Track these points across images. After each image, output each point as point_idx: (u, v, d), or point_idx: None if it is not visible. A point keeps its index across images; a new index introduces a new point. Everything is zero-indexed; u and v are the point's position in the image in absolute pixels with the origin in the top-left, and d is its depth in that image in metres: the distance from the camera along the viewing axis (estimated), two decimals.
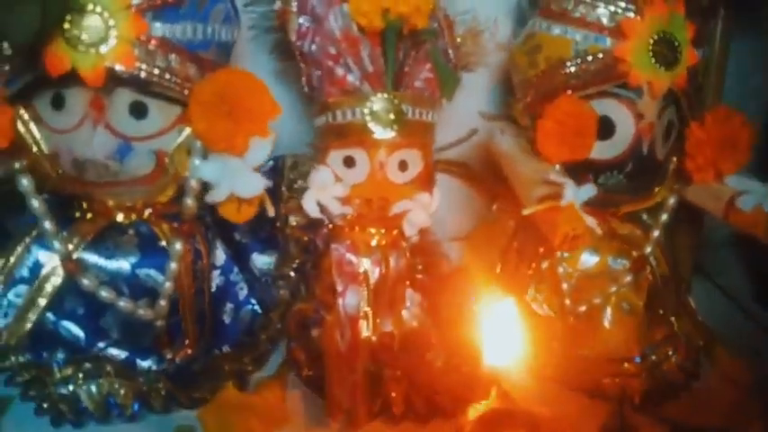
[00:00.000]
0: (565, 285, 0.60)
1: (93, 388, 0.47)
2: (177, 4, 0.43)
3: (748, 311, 0.74)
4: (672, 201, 0.60)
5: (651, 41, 0.52)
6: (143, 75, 0.42)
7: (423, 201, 0.55)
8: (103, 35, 0.40)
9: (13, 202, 0.48)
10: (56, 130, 0.45)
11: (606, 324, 0.60)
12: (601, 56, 0.53)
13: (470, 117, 0.64)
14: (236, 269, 0.60)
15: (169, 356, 0.52)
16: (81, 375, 0.47)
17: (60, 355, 0.48)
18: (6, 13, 0.34)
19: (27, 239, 0.48)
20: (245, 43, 0.57)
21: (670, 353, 0.62)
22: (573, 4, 0.54)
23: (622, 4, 0.53)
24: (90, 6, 0.40)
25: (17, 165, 0.45)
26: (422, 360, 0.57)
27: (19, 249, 0.47)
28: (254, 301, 0.61)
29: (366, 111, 0.51)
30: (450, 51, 0.57)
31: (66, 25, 0.39)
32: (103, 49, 0.40)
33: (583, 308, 0.59)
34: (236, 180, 0.44)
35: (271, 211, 0.48)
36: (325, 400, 0.54)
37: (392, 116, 0.51)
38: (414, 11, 0.50)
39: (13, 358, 0.49)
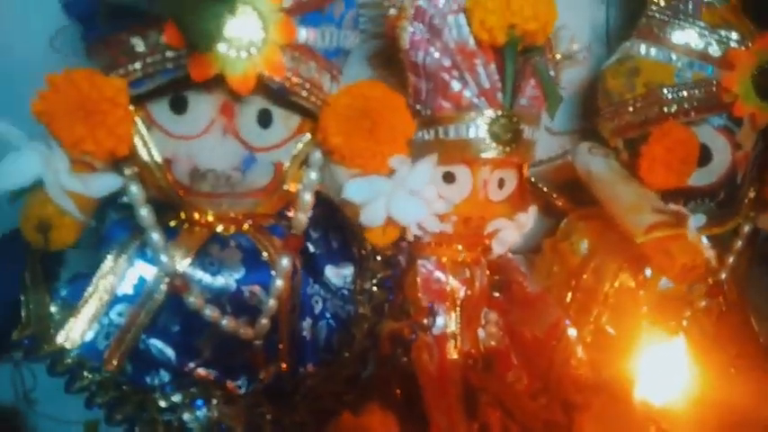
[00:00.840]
0: (644, 308, 0.60)
1: (201, 415, 0.43)
2: (320, 8, 0.40)
3: None
4: (747, 228, 0.61)
5: (754, 73, 0.53)
6: (288, 84, 0.39)
7: (520, 220, 0.54)
8: (255, 39, 0.36)
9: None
10: (174, 136, 0.41)
11: None
12: (705, 84, 0.54)
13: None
14: (311, 281, 0.57)
15: (261, 376, 0.49)
16: (188, 401, 0.43)
17: (164, 379, 0.44)
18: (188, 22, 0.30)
19: (124, 254, 0.43)
20: None
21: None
22: (677, 29, 0.54)
23: (731, 35, 0.53)
24: (242, 7, 0.36)
25: (127, 171, 0.40)
26: (503, 381, 0.56)
27: (117, 264, 0.43)
28: (328, 314, 0.58)
29: (485, 128, 0.49)
30: (551, 70, 0.56)
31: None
32: (255, 54, 0.37)
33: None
34: (393, 203, 0.41)
35: (411, 235, 0.45)
36: (410, 422, 0.52)
37: (510, 135, 0.50)
38: (542, 28, 0.48)
39: (112, 391, 0.45)
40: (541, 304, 0.58)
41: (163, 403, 0.43)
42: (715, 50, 0.53)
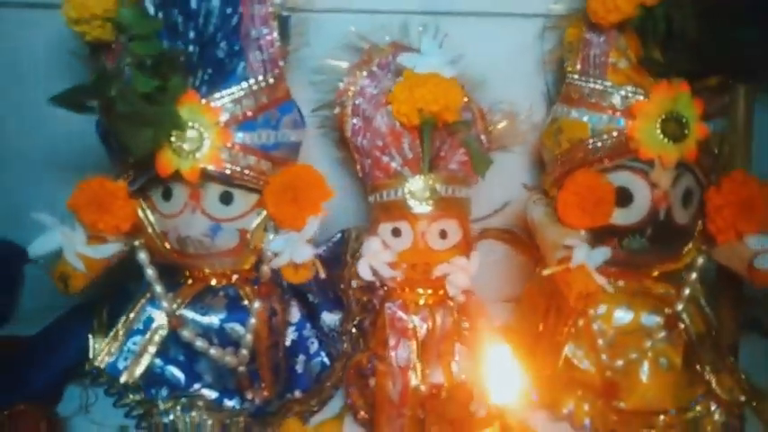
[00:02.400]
0: (600, 341, 0.65)
1: (188, 419, 0.59)
2: (254, 118, 0.57)
3: None
4: (700, 261, 0.64)
5: (660, 119, 0.59)
6: (228, 172, 0.55)
7: (460, 264, 0.63)
8: (199, 144, 0.54)
9: (135, 272, 0.63)
10: (164, 215, 0.59)
11: (643, 378, 0.64)
12: (615, 134, 0.61)
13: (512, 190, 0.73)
14: (308, 325, 0.70)
15: (249, 397, 0.62)
16: (179, 408, 0.59)
17: (164, 393, 0.60)
18: (131, 136, 0.48)
19: (142, 300, 0.61)
20: (313, 139, 0.70)
21: (712, 408, 0.65)
22: (588, 91, 0.63)
23: (632, 89, 0.60)
24: (189, 124, 0.54)
25: (137, 242, 0.59)
26: (466, 410, 0.64)
27: (136, 308, 0.61)
28: (323, 353, 0.70)
29: (406, 190, 0.61)
30: (482, 137, 0.67)
31: (173, 138, 0.53)
32: (199, 155, 0.54)
33: (620, 362, 0.64)
34: (293, 250, 0.55)
35: (322, 274, 0.58)
36: None
37: (427, 194, 0.61)
38: (443, 108, 0.60)
39: (131, 396, 0.63)
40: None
41: (162, 409, 0.59)
42: (620, 104, 0.61)
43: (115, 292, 0.68)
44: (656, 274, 0.66)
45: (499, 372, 0.45)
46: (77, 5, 0.50)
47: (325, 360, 0.70)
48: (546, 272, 0.58)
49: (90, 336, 0.65)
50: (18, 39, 0.68)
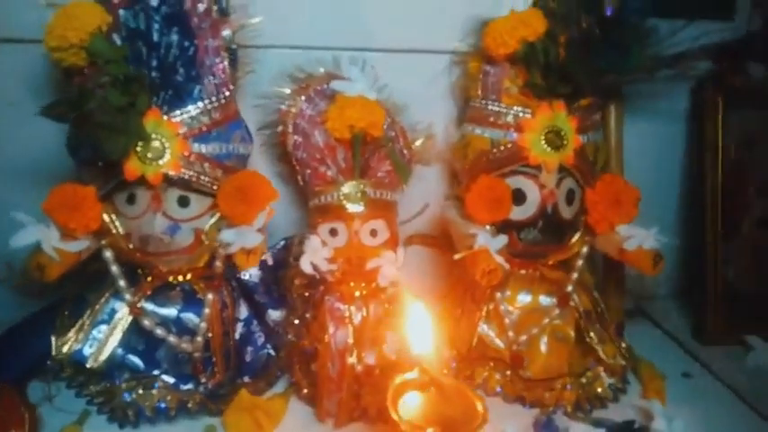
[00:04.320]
0: (507, 320, 0.76)
1: (148, 396, 0.66)
2: (208, 132, 0.67)
3: (683, 344, 0.89)
4: (585, 250, 0.77)
5: (545, 132, 0.73)
6: (186, 177, 0.65)
7: (388, 257, 0.74)
8: (161, 153, 0.63)
9: (92, 281, 0.70)
10: (128, 217, 0.67)
11: (543, 350, 0.76)
12: (510, 146, 0.74)
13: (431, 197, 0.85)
14: (255, 322, 0.79)
15: (203, 381, 0.70)
16: (140, 388, 0.66)
17: (126, 376, 0.67)
18: (107, 141, 0.57)
19: (107, 294, 0.69)
20: (259, 154, 0.80)
21: (601, 373, 0.77)
22: (488, 112, 0.76)
23: (521, 109, 0.74)
24: (153, 136, 0.63)
25: (103, 242, 0.67)
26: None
27: (101, 301, 0.68)
28: (269, 346, 0.79)
29: (341, 193, 0.72)
30: (405, 151, 0.79)
31: (139, 148, 0.63)
32: (161, 161, 0.63)
33: (524, 338, 0.76)
34: (245, 238, 0.65)
35: (269, 260, 0.67)
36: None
37: (359, 195, 0.72)
38: (369, 125, 0.71)
39: (92, 387, 0.69)
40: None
41: (124, 388, 0.66)
42: (512, 121, 0.74)
43: (74, 298, 0.75)
44: (551, 262, 0.79)
45: (415, 325, 0.55)
46: (57, 36, 0.59)
47: (271, 351, 0.79)
48: (456, 256, 0.69)
49: (53, 336, 0.71)
50: None
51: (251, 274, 0.77)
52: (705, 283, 0.89)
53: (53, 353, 0.70)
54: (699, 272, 0.91)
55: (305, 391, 0.73)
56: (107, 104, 0.57)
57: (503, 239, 0.70)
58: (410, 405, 0.53)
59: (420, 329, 0.55)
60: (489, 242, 0.69)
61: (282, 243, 0.82)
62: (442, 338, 0.71)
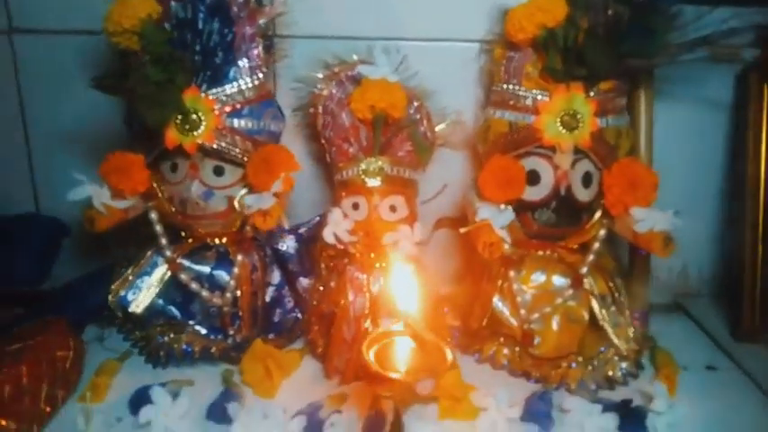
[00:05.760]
0: (519, 299, 0.78)
1: (177, 340, 0.75)
2: (241, 109, 0.74)
3: (716, 339, 0.86)
4: (602, 233, 0.78)
5: (561, 115, 0.74)
6: (218, 147, 0.73)
7: (404, 231, 0.78)
8: (197, 125, 0.72)
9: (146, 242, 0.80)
10: (171, 183, 0.76)
11: (555, 328, 0.77)
12: (527, 128, 0.76)
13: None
14: (286, 288, 0.86)
15: (231, 333, 0.78)
16: (172, 332, 0.75)
17: (161, 322, 0.77)
18: (146, 111, 0.66)
19: (150, 252, 0.78)
20: (294, 134, 0.88)
21: (616, 358, 0.77)
22: (509, 96, 0.78)
23: (540, 92, 0.76)
24: (191, 110, 0.72)
25: (149, 204, 0.76)
26: None
27: (145, 257, 0.78)
28: (297, 310, 0.85)
29: (360, 168, 0.78)
30: (428, 134, 0.83)
31: (178, 120, 0.72)
32: (196, 133, 0.72)
33: (536, 316, 0.77)
34: (260, 201, 0.72)
35: (285, 225, 0.74)
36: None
37: (376, 170, 0.77)
38: (389, 106, 0.76)
39: (137, 332, 0.79)
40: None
41: (158, 331, 0.75)
42: (530, 104, 0.76)
43: (128, 257, 0.85)
44: (570, 245, 0.80)
45: (401, 285, 0.59)
46: (113, 22, 0.69)
47: (299, 315, 0.85)
48: (462, 230, 0.73)
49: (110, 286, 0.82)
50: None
51: (288, 245, 0.84)
52: (743, 279, 0.86)
53: (108, 300, 0.81)
54: (739, 270, 0.88)
55: (320, 350, 0.79)
56: (147, 79, 0.66)
57: (509, 215, 0.73)
58: (397, 354, 0.57)
59: (405, 289, 0.59)
60: (493, 216, 0.71)
61: (317, 218, 0.88)
62: (428, 300, 0.75)
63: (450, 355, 0.54)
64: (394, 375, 0.54)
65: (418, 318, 0.59)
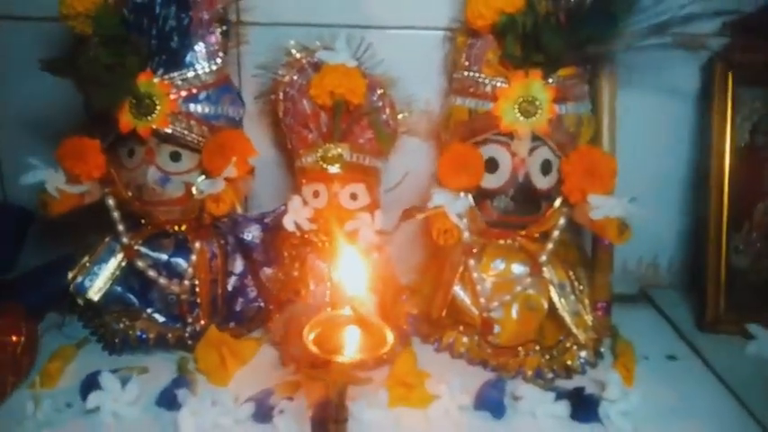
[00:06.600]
0: (479, 287, 0.78)
1: (132, 327, 0.75)
2: (197, 94, 0.74)
3: (679, 329, 0.86)
4: (562, 221, 0.77)
5: (519, 101, 0.74)
6: (172, 132, 0.72)
7: (364, 219, 0.78)
8: (152, 110, 0.71)
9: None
10: (127, 169, 0.76)
11: (514, 316, 0.76)
12: (485, 115, 0.76)
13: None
14: (249, 276, 0.85)
15: (189, 322, 0.77)
16: (127, 319, 0.75)
17: (117, 309, 0.76)
18: (93, 94, 0.66)
19: (107, 238, 0.78)
20: (257, 122, 0.87)
21: (575, 347, 0.76)
22: (469, 83, 0.78)
23: (499, 79, 0.75)
24: (146, 95, 0.71)
25: (106, 190, 0.76)
26: None
27: (102, 243, 0.78)
28: (260, 299, 0.85)
29: (319, 155, 0.77)
30: (390, 122, 0.83)
31: (132, 105, 0.71)
32: (150, 118, 0.71)
33: (495, 304, 0.77)
34: (212, 185, 0.71)
35: (239, 209, 0.74)
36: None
37: (335, 157, 0.77)
38: (348, 92, 0.76)
39: (96, 320, 0.79)
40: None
41: (114, 318, 0.75)
42: (489, 91, 0.76)
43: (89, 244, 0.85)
44: (531, 234, 0.79)
45: (348, 269, 0.59)
46: (67, 5, 0.69)
47: (261, 305, 0.85)
48: (419, 216, 0.72)
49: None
50: None
51: (252, 234, 0.83)
52: (707, 269, 0.86)
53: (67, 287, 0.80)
54: (703, 260, 0.87)
55: (278, 338, 0.79)
56: (97, 61, 0.65)
57: (464, 202, 0.72)
58: (342, 339, 0.57)
59: (352, 273, 0.59)
60: (448, 203, 0.71)
61: (283, 207, 0.87)
62: (387, 287, 0.74)
63: (391, 338, 0.53)
64: (337, 359, 0.54)
65: (365, 302, 0.58)
